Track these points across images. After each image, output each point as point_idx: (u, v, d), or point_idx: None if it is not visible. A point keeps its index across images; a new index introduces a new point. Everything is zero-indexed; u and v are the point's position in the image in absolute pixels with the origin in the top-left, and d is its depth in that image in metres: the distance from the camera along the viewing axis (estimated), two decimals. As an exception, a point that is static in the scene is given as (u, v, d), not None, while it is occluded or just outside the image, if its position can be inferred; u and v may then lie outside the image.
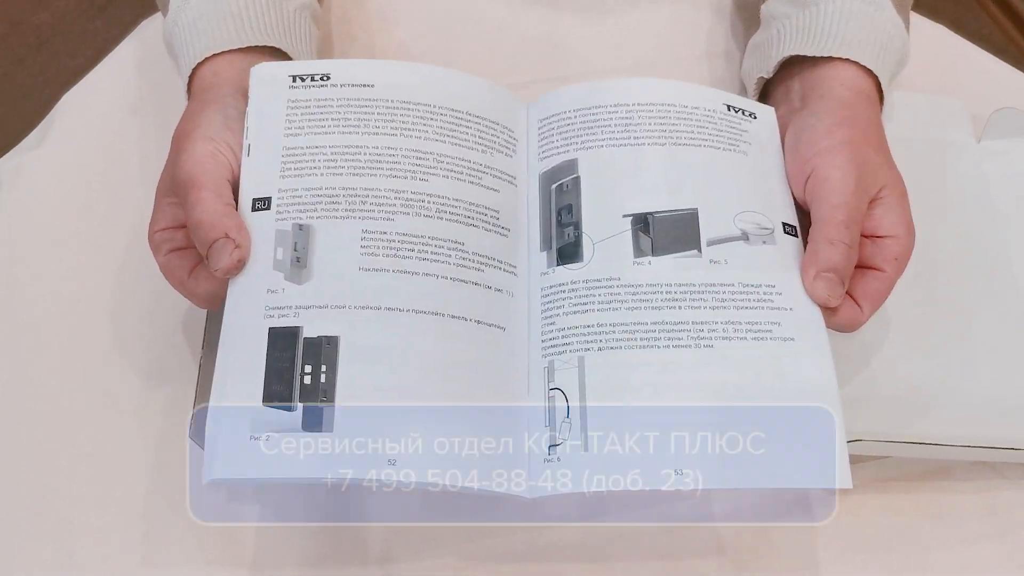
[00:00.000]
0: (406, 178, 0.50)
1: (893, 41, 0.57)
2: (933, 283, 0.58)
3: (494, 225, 0.51)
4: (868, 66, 0.55)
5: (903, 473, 0.54)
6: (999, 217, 0.61)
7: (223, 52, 0.55)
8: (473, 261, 0.50)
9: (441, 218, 0.50)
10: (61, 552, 0.51)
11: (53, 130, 0.64)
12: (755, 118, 0.56)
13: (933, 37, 0.71)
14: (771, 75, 0.58)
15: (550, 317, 0.49)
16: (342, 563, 0.50)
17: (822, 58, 0.56)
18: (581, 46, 0.69)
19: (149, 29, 0.68)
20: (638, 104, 0.54)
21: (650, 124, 0.54)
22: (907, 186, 0.52)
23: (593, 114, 0.54)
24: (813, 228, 0.50)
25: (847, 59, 0.55)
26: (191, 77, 0.55)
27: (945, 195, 0.61)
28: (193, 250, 0.49)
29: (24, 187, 0.62)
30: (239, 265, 0.47)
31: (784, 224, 0.51)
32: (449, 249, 0.49)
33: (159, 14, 0.69)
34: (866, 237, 0.51)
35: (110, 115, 0.64)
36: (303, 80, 0.52)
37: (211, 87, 0.54)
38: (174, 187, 0.49)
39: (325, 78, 0.53)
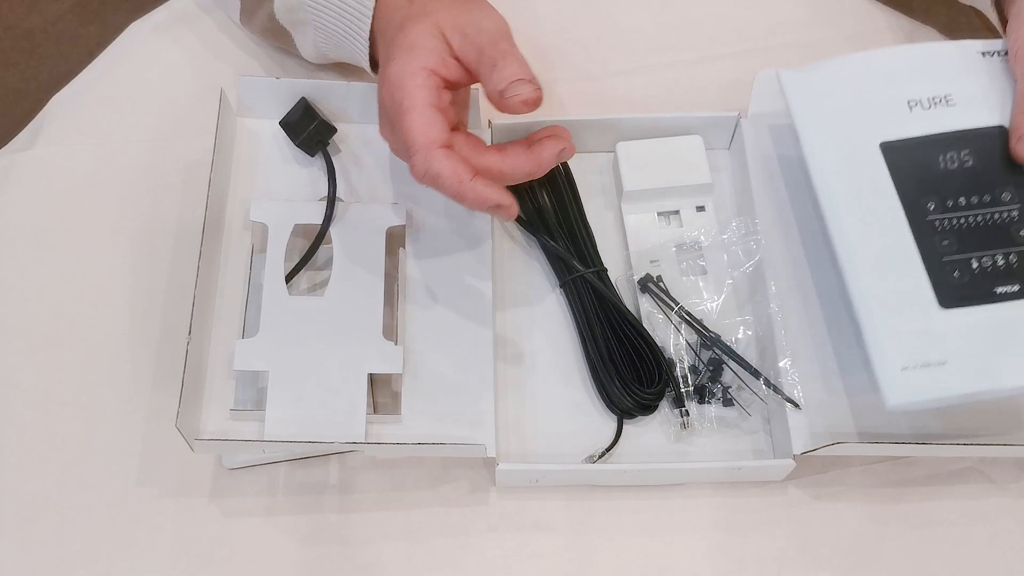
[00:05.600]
0: None
1: None
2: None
3: None
4: None
5: (892, 480, 0.54)
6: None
7: None
8: None
9: None
10: (49, 556, 0.51)
11: (43, 131, 0.64)
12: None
13: (928, 40, 0.70)
14: None
15: None
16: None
17: None
18: (605, 44, 0.68)
19: (139, 31, 0.68)
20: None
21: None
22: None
23: None
24: (1015, 98, 0.51)
25: None
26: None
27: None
28: None
29: (14, 188, 0.62)
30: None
31: None
32: None
33: (151, 15, 0.69)
34: None
35: (100, 116, 0.64)
36: None
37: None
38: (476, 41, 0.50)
39: None
